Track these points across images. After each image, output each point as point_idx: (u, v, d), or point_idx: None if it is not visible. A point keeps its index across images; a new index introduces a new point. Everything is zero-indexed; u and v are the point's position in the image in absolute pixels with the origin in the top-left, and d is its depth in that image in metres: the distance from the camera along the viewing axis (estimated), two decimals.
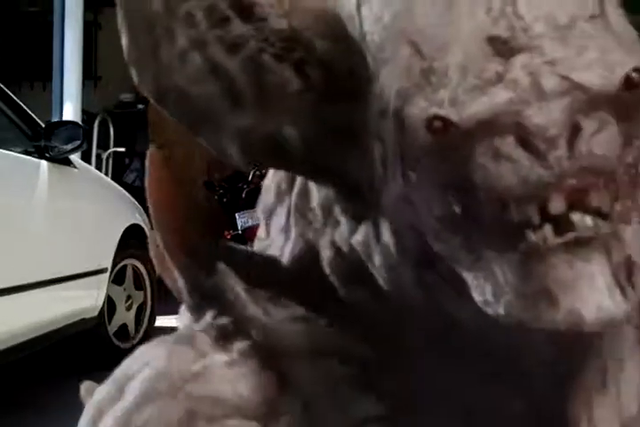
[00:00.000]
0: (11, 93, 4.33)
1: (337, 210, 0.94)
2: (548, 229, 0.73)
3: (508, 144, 0.73)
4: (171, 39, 0.89)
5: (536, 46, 0.74)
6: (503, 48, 0.75)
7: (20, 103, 4.37)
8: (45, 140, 4.28)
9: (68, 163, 4.52)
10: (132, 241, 5.04)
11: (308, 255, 1.00)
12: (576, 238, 0.73)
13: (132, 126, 9.48)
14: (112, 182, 5.58)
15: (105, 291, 4.67)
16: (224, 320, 1.03)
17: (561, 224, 0.73)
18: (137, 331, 5.10)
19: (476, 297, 0.78)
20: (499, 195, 0.74)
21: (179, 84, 0.90)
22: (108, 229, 4.84)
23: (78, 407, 1.14)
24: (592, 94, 0.73)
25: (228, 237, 6.72)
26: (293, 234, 1.03)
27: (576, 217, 0.73)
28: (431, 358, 0.94)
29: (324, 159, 0.90)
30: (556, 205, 0.73)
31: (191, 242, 1.00)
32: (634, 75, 0.74)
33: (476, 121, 0.73)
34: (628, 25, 0.80)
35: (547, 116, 0.72)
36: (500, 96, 0.73)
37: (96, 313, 4.58)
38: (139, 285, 5.21)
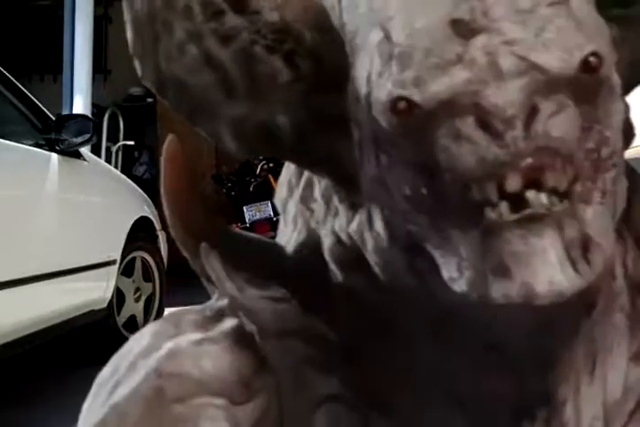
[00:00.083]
0: (21, 87, 4.33)
1: (335, 199, 0.96)
2: (504, 207, 0.75)
3: (468, 125, 0.75)
4: (169, 32, 0.91)
5: (495, 28, 0.76)
6: (464, 30, 0.76)
7: (31, 96, 4.37)
8: (56, 133, 4.28)
9: (78, 156, 4.52)
10: (141, 233, 5.05)
11: (310, 243, 1.03)
12: (530, 215, 0.75)
13: (141, 120, 9.49)
14: (121, 175, 5.58)
15: (114, 283, 4.68)
16: (223, 301, 1.06)
17: (517, 202, 0.75)
18: (146, 322, 5.09)
19: (444, 274, 0.80)
20: (460, 175, 0.76)
21: (177, 74, 0.92)
22: (118, 221, 4.84)
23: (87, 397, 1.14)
24: (550, 76, 0.74)
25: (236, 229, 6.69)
26: (299, 224, 1.06)
27: (531, 195, 0.75)
28: (424, 344, 0.96)
29: (316, 148, 0.92)
30: (512, 183, 0.74)
31: (199, 228, 1.01)
32: (592, 59, 0.75)
33: (437, 101, 0.75)
34: (594, 13, 0.81)
35: (504, 97, 0.74)
36: (458, 76, 0.75)
37: (105, 304, 4.59)
38: (147, 276, 5.22)
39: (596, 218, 0.77)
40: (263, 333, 1.04)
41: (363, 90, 0.82)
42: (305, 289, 1.02)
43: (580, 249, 0.75)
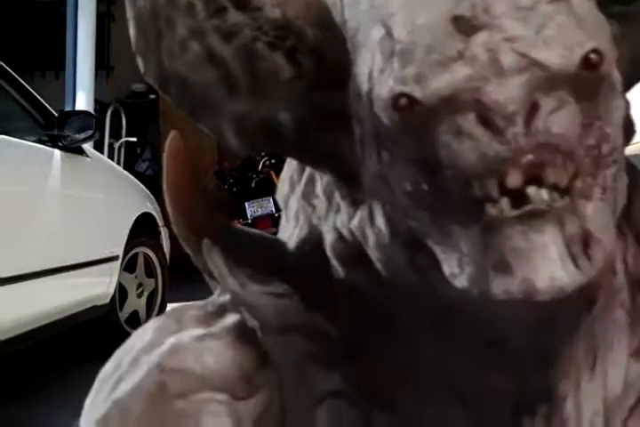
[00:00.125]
0: (24, 83, 4.33)
1: (337, 196, 0.97)
2: (505, 203, 0.75)
3: (469, 122, 0.75)
4: (172, 29, 0.91)
5: (496, 25, 0.76)
6: (465, 26, 0.76)
7: (34, 93, 4.37)
8: (58, 130, 4.28)
9: (81, 152, 4.53)
10: (143, 229, 5.05)
11: (311, 239, 1.03)
12: (531, 211, 0.75)
13: (143, 116, 9.49)
14: (124, 171, 5.58)
15: (117, 278, 4.68)
16: (225, 297, 1.06)
17: (518, 198, 0.75)
18: (148, 318, 5.10)
19: (445, 270, 0.80)
20: (461, 172, 0.76)
21: (179, 71, 0.92)
22: (120, 217, 4.85)
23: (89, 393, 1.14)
24: (551, 72, 0.74)
25: (238, 225, 6.69)
26: (301, 220, 1.06)
27: (531, 191, 0.75)
28: (426, 340, 0.96)
29: (317, 145, 0.92)
30: (513, 179, 0.74)
31: (201, 224, 1.02)
32: (592, 56, 0.75)
33: (438, 98, 0.75)
34: (595, 10, 0.81)
35: (505, 93, 0.74)
36: (459, 72, 0.75)
37: (108, 300, 4.59)
38: (150, 272, 5.22)
39: (597, 214, 0.77)
40: (265, 328, 1.04)
41: (364, 87, 0.82)
42: (307, 285, 1.02)
43: (581, 245, 0.75)
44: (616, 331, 1.00)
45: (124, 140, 8.85)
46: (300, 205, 1.08)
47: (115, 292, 4.68)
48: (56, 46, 7.68)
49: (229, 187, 8.41)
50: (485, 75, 0.74)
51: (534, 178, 0.74)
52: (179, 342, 1.06)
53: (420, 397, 0.99)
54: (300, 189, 1.07)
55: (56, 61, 7.95)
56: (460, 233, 0.78)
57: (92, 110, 6.27)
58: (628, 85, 0.90)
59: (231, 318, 1.06)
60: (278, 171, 7.52)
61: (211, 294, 1.11)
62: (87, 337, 4.53)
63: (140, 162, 9.61)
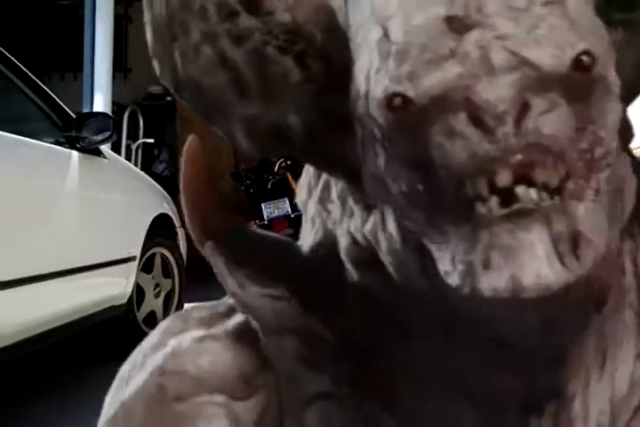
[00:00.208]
0: (42, 85, 4.35)
1: (351, 201, 0.97)
2: (494, 201, 0.75)
3: (461, 121, 0.74)
4: (186, 33, 0.92)
5: (489, 23, 0.75)
6: (458, 26, 0.76)
7: (52, 94, 4.38)
8: (76, 131, 4.29)
9: (99, 153, 4.54)
10: (160, 230, 5.06)
11: (326, 243, 1.03)
12: (519, 210, 0.74)
13: (160, 118, 9.51)
14: (141, 173, 5.59)
15: (134, 278, 4.70)
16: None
17: (507, 197, 0.74)
18: (165, 318, 5.11)
19: (440, 268, 0.80)
20: (454, 172, 0.75)
21: (193, 75, 0.93)
22: (137, 218, 4.86)
23: (107, 393, 1.15)
24: (542, 72, 0.74)
25: (255, 226, 6.71)
26: (317, 224, 1.07)
27: (520, 190, 0.74)
28: (437, 343, 0.96)
29: (327, 149, 0.93)
30: (503, 178, 0.74)
31: (215, 228, 1.02)
32: (584, 57, 0.75)
33: (430, 97, 0.75)
34: (591, 14, 0.80)
35: (495, 92, 0.73)
36: (451, 70, 0.75)
37: (125, 300, 4.60)
38: (167, 273, 5.23)
39: (589, 215, 0.76)
40: (264, 330, 1.05)
41: (362, 87, 0.82)
42: (309, 289, 1.03)
43: (569, 244, 0.74)
44: (625, 331, 1.00)
45: (141, 141, 8.88)
46: (316, 209, 1.08)
47: (132, 292, 4.69)
48: (74, 48, 7.70)
49: (246, 188, 8.42)
50: (476, 73, 0.74)
51: (523, 177, 0.74)
52: (179, 344, 1.07)
53: (428, 397, 0.99)
54: (316, 194, 1.08)
55: (74, 64, 7.97)
56: (453, 232, 0.78)
57: (109, 112, 6.28)
58: (633, 92, 0.90)
59: (237, 319, 1.08)
60: (294, 172, 7.53)
61: (226, 294, 1.11)
62: (105, 337, 4.54)
63: (158, 163, 9.63)
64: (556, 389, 0.96)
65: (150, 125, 9.20)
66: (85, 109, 6.61)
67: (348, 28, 0.88)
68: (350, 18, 0.87)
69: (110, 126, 4.43)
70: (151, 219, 4.95)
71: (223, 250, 1.02)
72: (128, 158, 7.73)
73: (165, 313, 5.08)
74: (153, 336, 1.13)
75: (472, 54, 0.75)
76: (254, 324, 1.05)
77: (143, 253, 4.85)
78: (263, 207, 8.11)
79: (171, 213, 5.21)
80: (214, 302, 1.12)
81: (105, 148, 4.80)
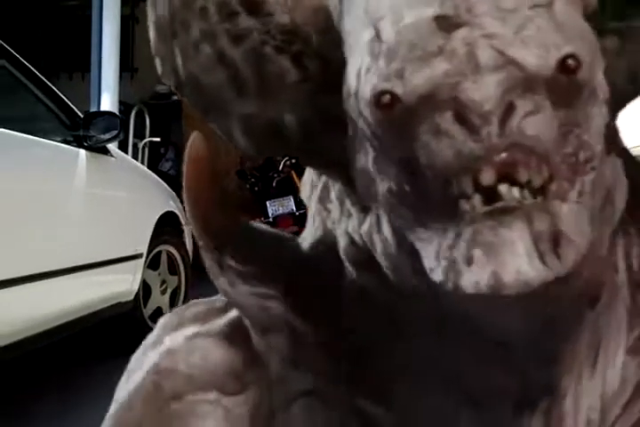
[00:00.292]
0: (51, 85, 4.35)
1: (348, 202, 0.97)
2: (477, 199, 0.75)
3: (447, 120, 0.74)
4: (187, 32, 0.93)
5: (477, 22, 0.76)
6: (447, 24, 0.76)
7: (60, 94, 4.39)
8: (84, 130, 4.29)
9: (106, 152, 4.54)
10: (166, 228, 5.06)
11: (326, 241, 1.04)
12: (502, 208, 0.74)
13: (167, 117, 9.52)
14: (148, 171, 5.59)
15: (141, 275, 4.70)
16: None
17: (490, 195, 0.74)
18: None
19: (425, 265, 0.80)
20: (439, 171, 0.76)
21: (193, 73, 0.94)
22: (144, 215, 4.86)
23: (114, 389, 1.15)
24: (527, 73, 0.74)
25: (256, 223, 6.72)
26: (317, 222, 1.08)
27: (503, 188, 0.74)
28: (432, 342, 0.97)
29: (323, 148, 0.93)
30: (486, 176, 0.74)
31: (217, 228, 1.02)
32: (569, 61, 0.75)
33: (417, 95, 0.75)
34: (578, 19, 0.80)
35: (482, 91, 0.73)
36: (438, 67, 0.75)
37: (132, 297, 4.61)
38: (173, 270, 5.23)
39: (571, 216, 0.76)
40: (253, 327, 1.06)
41: (353, 86, 0.82)
42: (301, 288, 1.03)
43: (550, 243, 0.74)
44: (617, 327, 1.00)
45: (147, 140, 8.88)
46: (316, 208, 1.09)
47: (139, 289, 4.69)
48: (82, 49, 7.71)
49: (251, 186, 8.43)
50: (463, 70, 0.74)
51: (507, 176, 0.74)
52: (173, 342, 1.10)
53: (424, 394, 1.00)
54: (317, 192, 1.08)
55: (82, 64, 7.98)
56: (438, 229, 0.78)
57: (116, 111, 6.29)
58: (624, 100, 0.90)
59: (232, 315, 1.10)
60: (299, 170, 7.54)
61: None
62: (112, 333, 4.54)
63: (164, 161, 9.64)
64: (549, 386, 0.97)
65: (157, 124, 9.20)
66: (93, 109, 6.62)
67: (342, 29, 0.88)
68: (344, 19, 0.87)
69: (117, 125, 4.43)
70: (157, 217, 4.95)
71: (221, 248, 1.03)
72: (135, 157, 7.74)
73: (171, 310, 5.06)
74: (153, 333, 1.14)
75: (459, 51, 0.75)
76: (245, 321, 1.06)
77: (150, 251, 4.85)
78: (268, 205, 8.12)
79: (177, 211, 5.21)
80: (213, 298, 1.13)
81: (112, 146, 4.80)
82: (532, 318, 0.88)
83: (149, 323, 4.73)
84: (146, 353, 1.12)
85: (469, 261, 0.75)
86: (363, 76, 0.80)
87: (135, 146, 8.55)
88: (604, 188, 0.87)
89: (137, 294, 4.68)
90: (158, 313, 4.94)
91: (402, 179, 0.79)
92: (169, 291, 5.17)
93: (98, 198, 4.33)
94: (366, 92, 0.78)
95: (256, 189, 8.43)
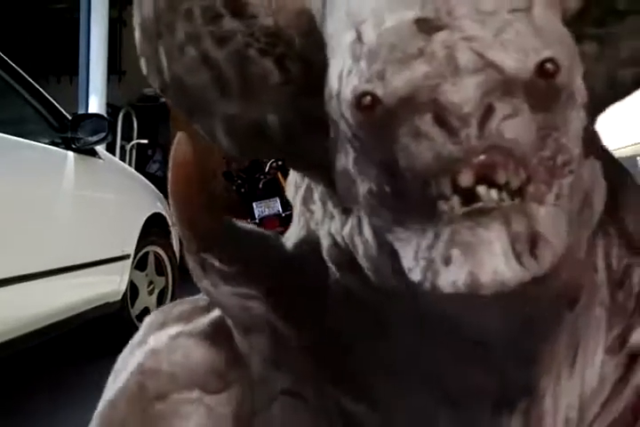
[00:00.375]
0: (39, 87, 4.34)
1: (330, 204, 0.97)
2: (455, 200, 0.75)
3: (426, 122, 0.74)
4: (172, 33, 0.93)
5: (457, 25, 0.76)
6: (428, 27, 0.76)
7: (48, 96, 4.38)
8: (72, 132, 4.28)
9: (94, 154, 4.53)
10: (154, 229, 5.06)
11: (310, 240, 1.04)
12: (480, 208, 0.74)
13: (154, 119, 9.51)
14: (135, 173, 5.58)
15: (128, 276, 4.69)
16: None
17: (469, 196, 0.74)
18: None
19: (404, 264, 0.80)
20: (419, 173, 0.76)
21: (177, 73, 0.94)
22: (132, 217, 4.85)
23: (103, 388, 1.15)
24: (506, 76, 0.74)
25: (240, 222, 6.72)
26: (301, 222, 1.08)
27: (481, 190, 0.74)
28: (413, 341, 0.97)
29: (305, 149, 0.93)
30: (465, 178, 0.74)
31: (202, 228, 1.03)
32: (548, 65, 0.75)
33: (397, 97, 0.75)
34: (557, 24, 0.80)
35: (461, 94, 0.73)
36: (418, 69, 0.75)
37: (119, 297, 4.60)
38: (160, 270, 5.23)
39: (549, 218, 0.76)
40: (235, 327, 1.06)
41: (334, 88, 0.82)
42: (283, 288, 1.03)
43: (527, 244, 0.74)
44: (596, 327, 1.01)
45: (135, 142, 8.87)
46: (300, 209, 1.09)
47: (126, 289, 4.69)
48: (71, 52, 7.69)
49: (237, 187, 8.42)
50: (442, 72, 0.74)
51: (485, 178, 0.74)
52: (156, 342, 1.10)
53: (407, 393, 1.00)
54: (300, 193, 1.08)
55: (70, 66, 7.96)
56: (417, 230, 0.78)
57: (104, 113, 6.28)
58: (603, 105, 0.91)
59: (215, 313, 1.10)
60: (285, 172, 7.53)
61: None
62: (100, 333, 4.53)
63: (151, 163, 9.63)
64: (528, 386, 0.97)
65: (144, 126, 9.20)
66: (81, 111, 6.60)
67: (324, 32, 0.88)
68: (327, 22, 0.88)
69: (105, 127, 4.42)
70: (145, 218, 4.95)
71: (207, 249, 1.03)
72: (122, 159, 7.72)
73: None
74: (139, 332, 1.15)
75: (439, 54, 0.75)
76: (228, 320, 1.06)
77: (137, 252, 4.84)
78: (254, 206, 8.11)
79: (164, 213, 5.21)
80: (197, 296, 1.13)
81: (100, 148, 4.79)
82: (510, 319, 0.89)
83: (137, 323, 4.72)
84: (132, 353, 1.12)
85: (447, 260, 0.75)
86: (344, 78, 0.80)
87: (123, 148, 8.54)
88: (583, 191, 0.88)
89: (124, 295, 4.67)
90: (145, 313, 4.89)
91: (382, 180, 0.80)
92: (156, 291, 5.17)
93: (86, 200, 4.33)
94: (347, 93, 0.78)
95: (242, 190, 8.42)
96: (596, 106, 0.87)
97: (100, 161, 4.62)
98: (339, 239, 0.95)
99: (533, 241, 0.74)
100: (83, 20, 7.06)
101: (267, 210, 8.12)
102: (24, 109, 4.26)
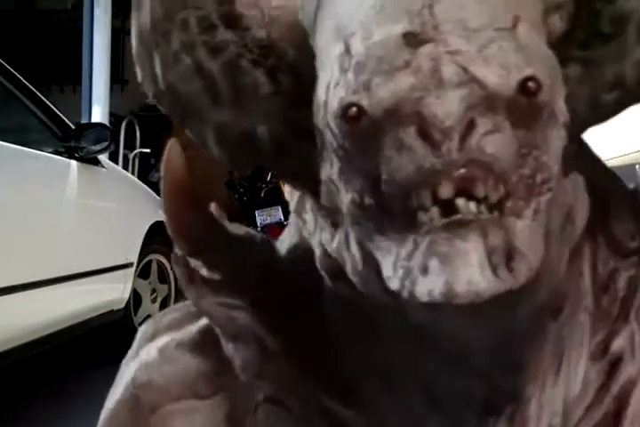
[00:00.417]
0: (42, 97, 4.35)
1: (320, 216, 0.97)
2: (435, 211, 0.75)
3: (410, 135, 0.75)
4: (167, 42, 0.94)
5: (442, 39, 0.76)
6: (414, 40, 0.77)
7: (51, 106, 4.39)
8: (75, 141, 4.29)
9: (97, 163, 4.54)
10: (156, 237, 5.06)
11: (301, 248, 1.05)
12: (458, 220, 0.75)
13: (157, 128, 9.49)
14: (138, 181, 5.59)
15: (131, 284, 4.70)
16: None
17: (448, 208, 0.75)
18: None
19: (383, 273, 0.81)
20: (401, 185, 0.76)
21: (171, 82, 0.95)
22: (134, 225, 4.86)
23: (105, 396, 1.15)
24: (489, 91, 0.75)
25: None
26: (294, 230, 1.09)
27: (460, 202, 0.75)
28: (404, 347, 0.97)
29: (294, 161, 0.94)
30: (445, 190, 0.75)
31: (196, 242, 1.03)
32: (530, 83, 0.76)
33: (383, 109, 0.76)
34: (541, 44, 0.81)
35: (444, 107, 0.74)
36: (404, 81, 0.76)
37: (123, 305, 4.60)
38: (163, 278, 5.23)
39: (526, 232, 0.77)
40: (223, 335, 1.07)
41: (322, 99, 0.83)
42: (265, 298, 1.04)
43: (504, 257, 0.75)
44: (580, 334, 1.01)
45: (138, 151, 8.87)
46: (293, 218, 1.11)
47: (129, 297, 4.69)
48: (74, 61, 7.71)
49: (240, 196, 8.42)
50: (427, 85, 0.75)
51: (465, 191, 0.75)
52: (147, 355, 1.12)
53: (395, 398, 1.01)
54: (294, 202, 1.09)
55: (73, 76, 7.98)
56: (397, 239, 0.79)
57: (107, 123, 6.29)
58: (586, 126, 0.91)
59: (204, 321, 1.11)
60: None
61: None
62: (103, 341, 4.53)
63: (154, 172, 9.62)
64: (514, 393, 0.98)
65: (147, 135, 9.20)
66: (84, 120, 6.62)
67: (314, 45, 0.89)
68: (317, 35, 0.88)
69: (108, 137, 4.43)
70: (147, 226, 4.95)
71: (197, 257, 1.04)
72: (125, 168, 7.73)
73: None
74: (134, 343, 1.17)
75: (423, 66, 0.75)
76: (215, 328, 1.07)
77: (140, 260, 4.85)
78: (257, 215, 8.11)
79: None
80: (188, 302, 1.14)
81: (103, 157, 4.80)
82: (488, 329, 0.89)
83: None
84: (127, 365, 1.14)
85: (425, 270, 0.75)
86: (331, 89, 0.80)
87: (126, 157, 8.55)
88: (565, 205, 0.89)
89: (128, 303, 4.68)
90: None
91: (365, 190, 0.80)
92: (159, 299, 5.17)
93: (89, 208, 4.33)
94: (334, 104, 0.79)
95: (245, 198, 8.43)
96: (578, 127, 0.88)
97: (103, 170, 4.62)
98: (329, 250, 0.95)
99: (509, 254, 0.75)
100: (86, 30, 7.08)
101: (268, 218, 8.12)
102: (27, 119, 4.27)
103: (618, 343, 1.02)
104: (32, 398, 3.83)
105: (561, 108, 0.82)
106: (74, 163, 4.24)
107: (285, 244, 1.10)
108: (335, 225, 0.91)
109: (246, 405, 1.06)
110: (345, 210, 0.84)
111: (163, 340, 1.12)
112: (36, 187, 3.79)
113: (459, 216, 0.75)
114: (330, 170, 0.85)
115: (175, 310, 1.18)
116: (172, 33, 0.94)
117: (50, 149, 4.21)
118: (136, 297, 4.86)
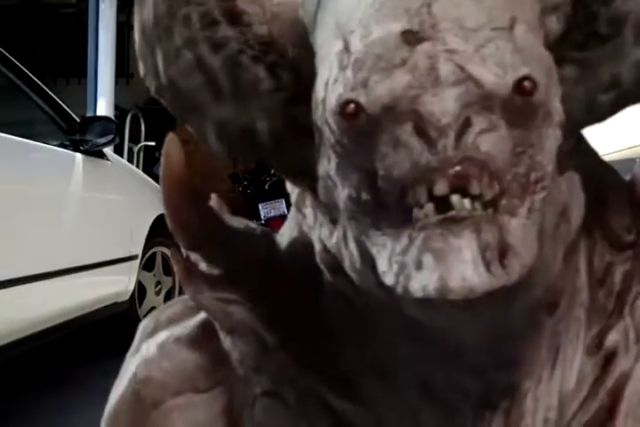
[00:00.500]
0: (48, 90, 4.35)
1: (319, 212, 0.97)
2: (429, 208, 0.76)
3: (406, 132, 0.76)
4: (169, 38, 0.95)
5: (440, 38, 0.77)
6: (412, 38, 0.77)
7: (57, 99, 4.38)
8: (80, 134, 4.29)
9: (102, 156, 4.54)
10: (161, 230, 5.05)
11: (301, 242, 1.06)
12: (452, 217, 0.76)
13: (161, 121, 9.48)
14: (143, 174, 5.59)
15: (136, 276, 4.70)
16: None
17: (443, 205, 0.76)
18: None
19: (379, 268, 0.81)
20: (397, 182, 0.77)
21: (173, 77, 0.96)
22: (139, 218, 4.86)
23: (110, 388, 1.16)
24: (485, 90, 0.75)
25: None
26: (294, 224, 1.10)
27: (455, 199, 0.76)
28: (401, 344, 0.98)
29: (292, 157, 0.94)
30: (440, 187, 0.75)
31: (196, 236, 1.04)
32: (526, 83, 0.76)
33: (380, 105, 0.76)
34: (537, 44, 0.81)
35: (440, 105, 0.75)
36: (401, 79, 0.76)
37: (127, 297, 4.61)
38: (167, 271, 5.24)
39: (519, 229, 0.77)
40: (220, 329, 1.08)
41: (321, 95, 0.83)
42: (262, 293, 1.05)
43: (497, 253, 0.75)
44: (576, 329, 1.02)
45: (142, 144, 8.88)
46: (293, 212, 1.11)
47: (134, 289, 4.70)
48: (79, 55, 7.71)
49: (244, 189, 8.44)
50: (423, 83, 0.75)
51: (459, 188, 0.75)
52: (147, 350, 1.13)
53: (393, 392, 1.01)
54: (294, 196, 1.10)
55: (79, 69, 7.97)
56: (392, 235, 0.79)
57: (112, 116, 6.29)
58: (581, 126, 0.92)
59: (203, 315, 1.12)
60: None
61: None
62: (108, 332, 4.54)
63: (159, 165, 9.62)
64: (510, 387, 0.98)
65: (151, 129, 9.20)
66: (89, 113, 6.62)
67: (314, 42, 0.89)
68: (317, 33, 0.89)
69: (113, 130, 4.42)
70: (152, 219, 4.95)
71: (197, 251, 1.04)
72: (130, 161, 7.73)
73: None
74: (135, 338, 1.17)
75: (420, 64, 0.76)
76: (214, 322, 1.07)
77: (145, 252, 4.85)
78: (260, 208, 8.11)
79: None
80: (186, 297, 1.15)
81: (108, 150, 4.80)
82: (482, 325, 0.90)
83: None
84: (129, 360, 1.15)
85: (419, 265, 0.76)
86: (330, 85, 0.81)
87: (130, 150, 8.55)
88: (560, 203, 0.89)
89: (132, 295, 4.68)
90: None
91: (362, 186, 0.81)
92: (163, 291, 5.18)
93: (94, 201, 4.33)
94: (332, 100, 0.80)
95: (248, 191, 8.44)
96: (574, 127, 0.88)
97: (108, 163, 4.62)
98: (329, 245, 0.95)
99: (503, 251, 0.76)
100: (91, 24, 7.08)
101: (272, 211, 8.13)
102: (33, 112, 4.27)
103: (612, 338, 1.02)
104: (36, 391, 3.84)
105: (556, 107, 0.82)
106: (79, 156, 4.24)
107: (285, 237, 1.10)
108: (334, 221, 0.91)
109: (244, 398, 1.07)
110: (342, 205, 0.85)
111: (162, 335, 1.12)
112: (41, 180, 3.79)
113: (453, 213, 0.75)
114: (327, 166, 0.86)
115: (175, 304, 1.18)
116: (175, 28, 0.94)
117: (55, 142, 4.21)
118: (141, 289, 4.87)
